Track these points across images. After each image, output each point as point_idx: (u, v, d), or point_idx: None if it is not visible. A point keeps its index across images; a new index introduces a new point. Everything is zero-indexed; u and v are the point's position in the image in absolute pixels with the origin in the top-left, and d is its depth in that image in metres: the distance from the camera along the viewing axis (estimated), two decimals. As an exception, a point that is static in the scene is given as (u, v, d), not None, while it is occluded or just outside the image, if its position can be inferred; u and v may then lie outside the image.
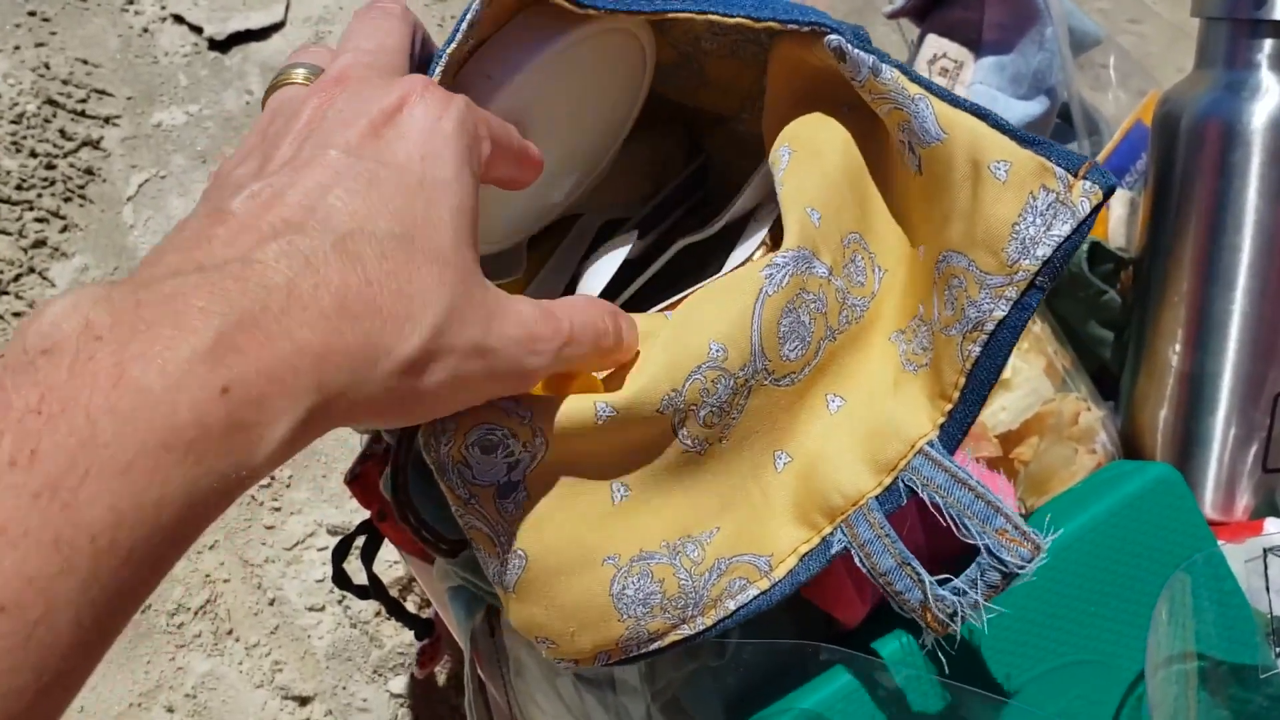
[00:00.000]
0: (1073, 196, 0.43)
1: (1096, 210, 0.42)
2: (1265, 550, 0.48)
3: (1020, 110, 0.65)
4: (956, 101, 0.45)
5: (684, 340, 0.44)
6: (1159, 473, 0.53)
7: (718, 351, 0.44)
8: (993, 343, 0.44)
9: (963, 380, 0.44)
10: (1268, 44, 0.61)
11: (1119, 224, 0.70)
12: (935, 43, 0.65)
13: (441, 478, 0.43)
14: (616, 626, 0.44)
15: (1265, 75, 0.61)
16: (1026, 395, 0.61)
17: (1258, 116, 0.60)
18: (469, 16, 0.42)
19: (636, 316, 0.46)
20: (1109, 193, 0.43)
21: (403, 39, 0.42)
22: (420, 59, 0.44)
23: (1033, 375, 0.62)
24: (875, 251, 0.48)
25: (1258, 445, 0.63)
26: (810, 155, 0.47)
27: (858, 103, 0.48)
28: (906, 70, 0.45)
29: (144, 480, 0.28)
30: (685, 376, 0.43)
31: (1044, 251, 0.43)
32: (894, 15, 0.65)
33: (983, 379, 0.44)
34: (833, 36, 0.45)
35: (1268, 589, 0.48)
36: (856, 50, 0.45)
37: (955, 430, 0.45)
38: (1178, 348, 0.63)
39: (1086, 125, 0.74)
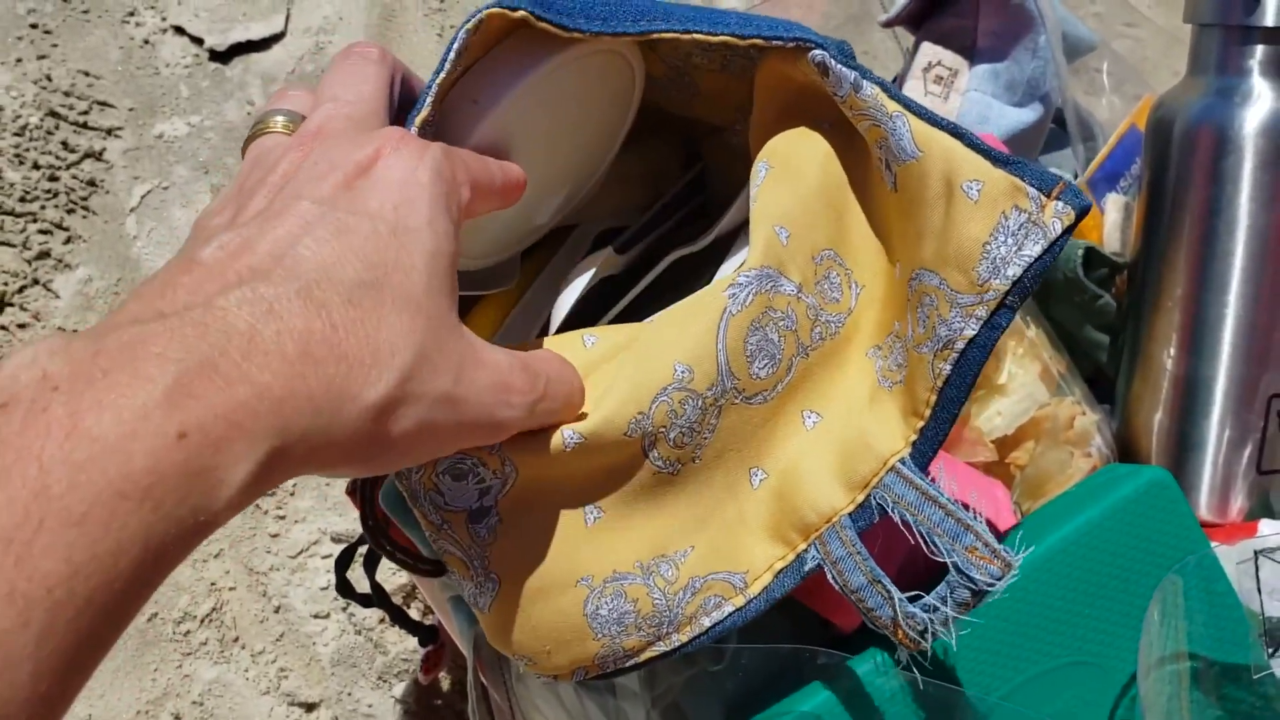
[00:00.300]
0: (1045, 217, 0.43)
1: (1069, 231, 0.43)
2: (1256, 552, 0.48)
3: (1014, 117, 0.65)
4: (934, 120, 0.45)
5: (649, 363, 0.44)
6: (1152, 476, 0.54)
7: (684, 373, 0.44)
8: (963, 361, 0.44)
9: (934, 398, 0.45)
10: (1259, 50, 0.61)
11: (1114, 229, 0.71)
12: (930, 50, 0.65)
13: (414, 504, 0.44)
14: (592, 645, 0.45)
15: (1257, 81, 0.61)
16: (1022, 400, 0.62)
17: (1250, 122, 0.61)
18: (456, 45, 0.42)
19: (615, 328, 0.47)
20: (1081, 214, 0.43)
21: (380, 86, 0.42)
22: (401, 100, 0.44)
23: (1028, 380, 0.62)
24: (852, 268, 0.48)
25: (1252, 447, 0.63)
26: (786, 172, 0.48)
27: (839, 119, 0.49)
28: (887, 87, 0.46)
29: (100, 529, 0.27)
30: (651, 399, 0.43)
31: (1014, 271, 0.43)
32: (889, 24, 0.66)
33: (953, 397, 0.45)
34: (816, 52, 0.46)
35: (1259, 590, 0.48)
36: (839, 66, 0.46)
37: (927, 447, 0.45)
38: (1172, 352, 0.64)
39: (1081, 131, 0.74)
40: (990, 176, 0.43)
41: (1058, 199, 0.43)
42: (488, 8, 0.43)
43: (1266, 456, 0.63)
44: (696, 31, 0.45)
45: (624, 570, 0.45)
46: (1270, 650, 0.50)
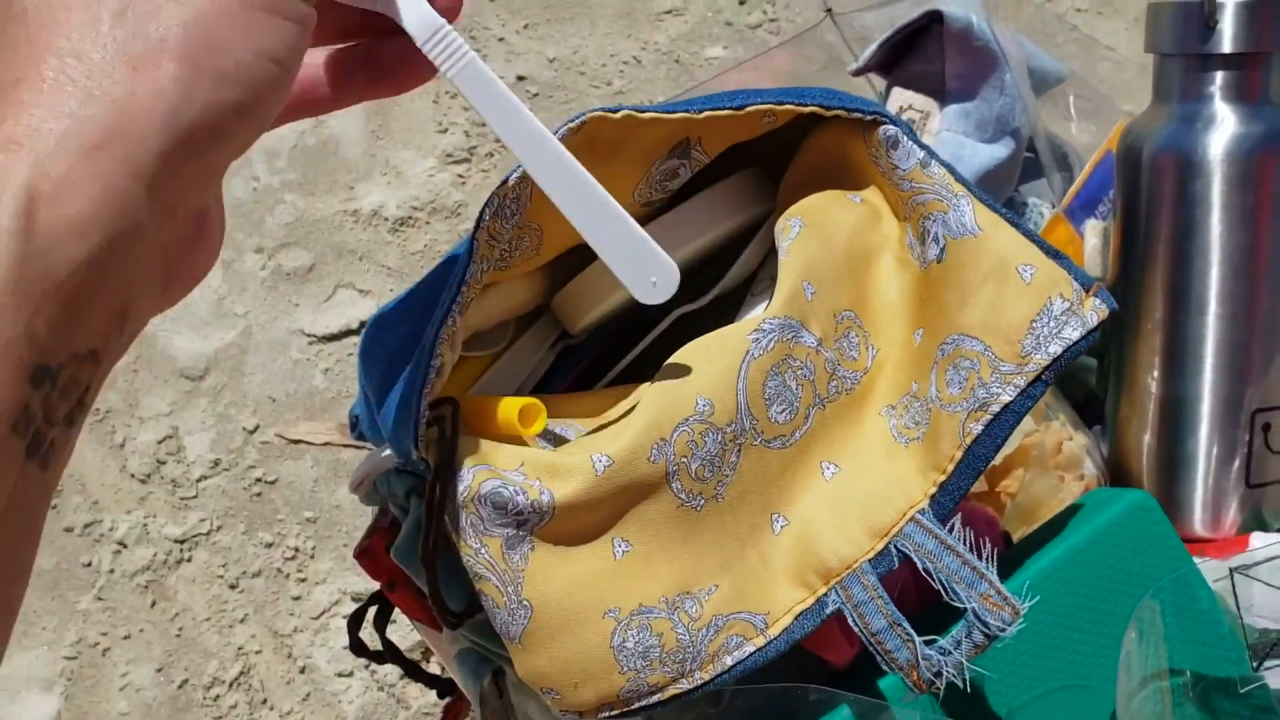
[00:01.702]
0: (1084, 309, 0.48)
1: (1102, 325, 0.48)
2: (1231, 570, 0.49)
3: (987, 154, 0.67)
4: (993, 206, 0.50)
5: (672, 394, 0.47)
6: (1134, 499, 0.55)
7: (705, 406, 0.47)
8: (995, 423, 0.48)
9: (959, 454, 0.48)
10: (1219, 76, 0.63)
11: (1094, 254, 0.72)
12: (901, 95, 0.67)
13: (454, 529, 0.46)
14: (618, 679, 0.47)
15: (1219, 106, 0.63)
16: (1007, 430, 0.63)
17: (1214, 146, 0.62)
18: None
19: (621, 389, 0.50)
20: (1113, 313, 0.49)
21: None
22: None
23: (1012, 410, 0.64)
24: (870, 331, 0.52)
25: (1240, 462, 0.64)
26: (820, 231, 0.51)
27: (868, 195, 0.53)
28: (953, 169, 0.51)
29: None
30: (673, 428, 0.46)
31: (1056, 349, 0.48)
32: (859, 72, 0.68)
33: (980, 454, 0.48)
34: (889, 127, 0.51)
35: (1237, 607, 0.49)
36: (911, 142, 0.51)
37: (946, 500, 0.49)
38: (1155, 373, 0.65)
39: (1056, 160, 0.76)
40: (1043, 264, 0.49)
41: (1095, 295, 0.49)
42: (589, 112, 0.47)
43: (1255, 470, 0.65)
44: (789, 102, 0.50)
45: (650, 604, 0.47)
46: (1256, 664, 0.51)
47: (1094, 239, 0.73)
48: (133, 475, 0.87)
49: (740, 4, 0.97)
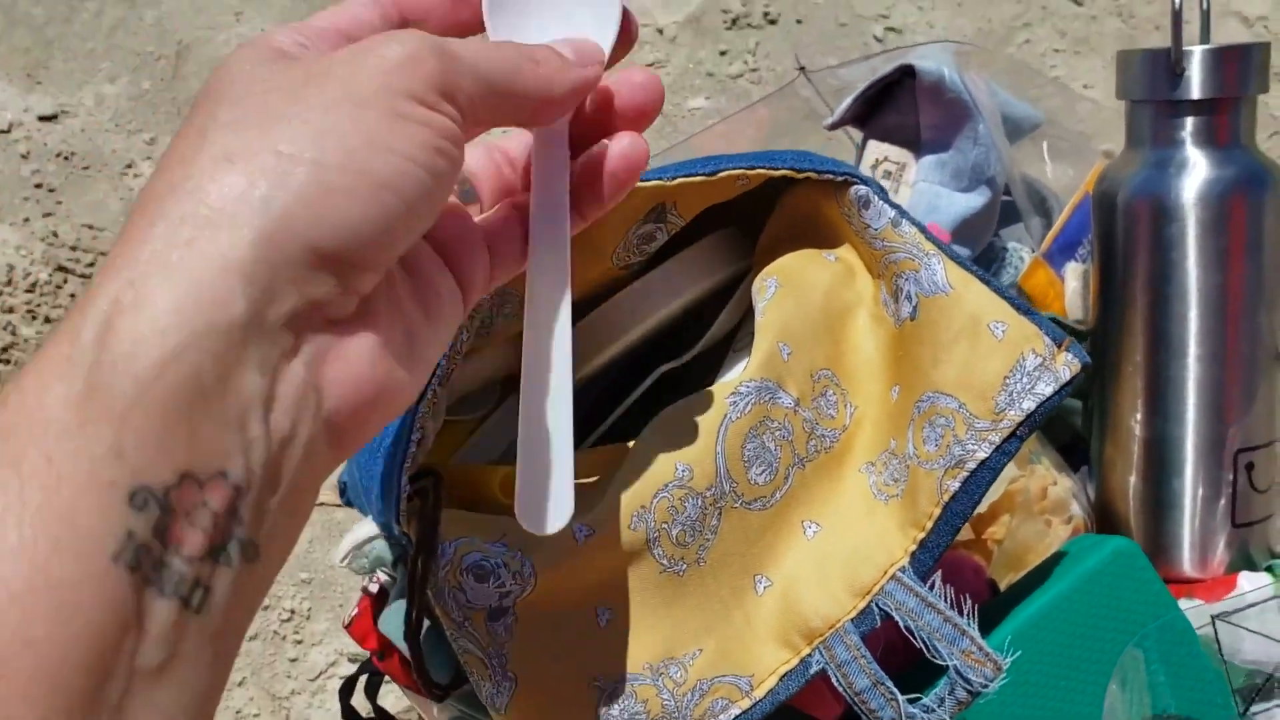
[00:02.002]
0: (1056, 364, 0.49)
1: (1075, 379, 0.49)
2: (1213, 617, 0.50)
3: (964, 203, 0.68)
4: (963, 264, 0.51)
5: (651, 461, 0.47)
6: (1116, 546, 0.55)
7: (684, 471, 0.47)
8: (972, 480, 0.48)
9: (938, 511, 0.49)
10: (1189, 121, 0.64)
11: (1075, 296, 0.73)
12: (876, 148, 0.68)
13: (438, 601, 0.46)
14: None
15: (1190, 151, 0.64)
16: (991, 478, 0.63)
17: (1187, 191, 0.63)
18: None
19: (603, 451, 0.50)
20: (1085, 368, 0.49)
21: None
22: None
23: (995, 458, 0.64)
24: (847, 388, 0.52)
25: (1225, 502, 0.65)
26: (795, 290, 0.52)
27: (842, 254, 0.54)
28: (923, 229, 0.51)
29: None
30: (653, 495, 0.47)
31: (1029, 405, 0.48)
32: (833, 126, 0.69)
33: (958, 511, 0.49)
34: (861, 187, 0.51)
35: (1220, 654, 0.50)
36: (882, 202, 0.51)
37: (926, 557, 0.49)
38: (1138, 416, 0.65)
39: (1035, 204, 0.77)
40: (1014, 321, 0.49)
41: (1067, 351, 0.49)
42: None
43: (1240, 509, 0.65)
44: (761, 167, 0.51)
45: (634, 671, 0.47)
46: (1244, 708, 0.51)
47: (1074, 281, 0.73)
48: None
49: (721, 55, 0.99)
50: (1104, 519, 0.68)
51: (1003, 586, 0.62)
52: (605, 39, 0.39)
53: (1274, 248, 0.64)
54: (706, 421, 0.48)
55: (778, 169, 0.51)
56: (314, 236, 0.30)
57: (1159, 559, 0.66)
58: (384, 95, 0.31)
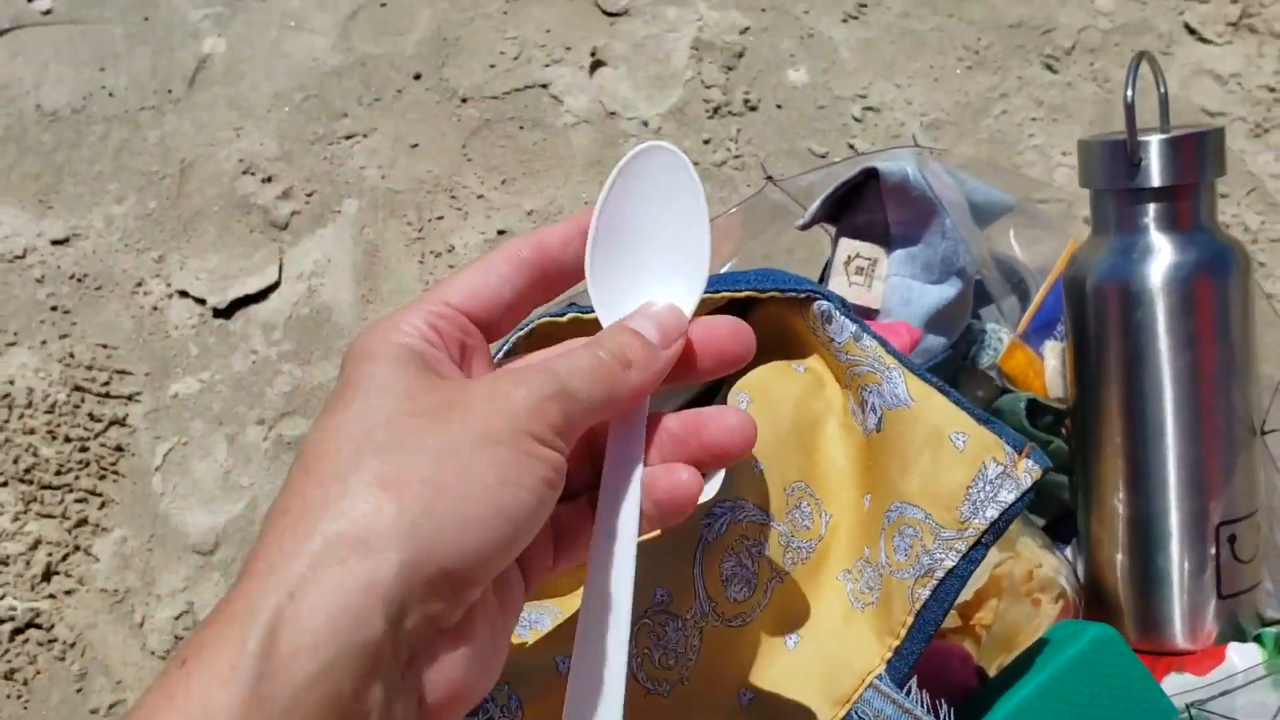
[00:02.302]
0: (1018, 471, 0.50)
1: (1036, 485, 0.50)
2: (1188, 706, 0.51)
3: (936, 294, 0.70)
4: (924, 376, 0.52)
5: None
6: (1095, 634, 0.56)
7: (662, 596, 0.49)
8: (941, 588, 0.50)
9: (910, 620, 0.50)
10: (1151, 208, 0.65)
11: (1054, 375, 0.74)
12: (848, 245, 0.70)
13: None
14: None
15: (1154, 236, 0.65)
16: (975, 566, 0.65)
17: (1154, 276, 0.65)
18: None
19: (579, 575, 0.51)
20: (1046, 472, 0.50)
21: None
22: None
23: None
24: (822, 498, 0.54)
25: (1210, 574, 0.66)
26: (766, 405, 0.54)
27: (810, 365, 0.55)
28: (885, 343, 0.53)
29: None
30: (634, 623, 0.48)
31: (992, 513, 0.50)
32: (805, 226, 0.71)
33: (929, 619, 0.50)
34: (823, 303, 0.53)
35: (1198, 742, 0.51)
36: (843, 317, 0.53)
37: (902, 664, 0.50)
38: (1121, 494, 0.67)
39: (1012, 285, 0.78)
40: (974, 431, 0.51)
41: (1028, 458, 0.50)
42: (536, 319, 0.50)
43: (1225, 581, 0.66)
44: (724, 290, 0.52)
45: None
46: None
47: (1054, 360, 0.75)
48: (153, 653, 0.89)
49: (705, 144, 1.01)
50: (1094, 594, 0.69)
51: (994, 669, 0.63)
52: (690, 300, 0.42)
53: (1241, 325, 0.66)
54: (682, 545, 0.50)
55: (741, 290, 0.53)
56: (446, 561, 0.34)
57: (1150, 633, 0.67)
58: (515, 437, 0.36)
